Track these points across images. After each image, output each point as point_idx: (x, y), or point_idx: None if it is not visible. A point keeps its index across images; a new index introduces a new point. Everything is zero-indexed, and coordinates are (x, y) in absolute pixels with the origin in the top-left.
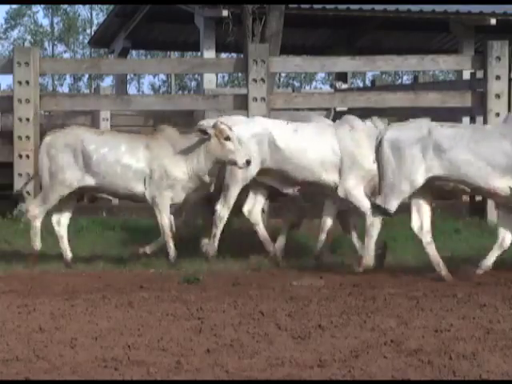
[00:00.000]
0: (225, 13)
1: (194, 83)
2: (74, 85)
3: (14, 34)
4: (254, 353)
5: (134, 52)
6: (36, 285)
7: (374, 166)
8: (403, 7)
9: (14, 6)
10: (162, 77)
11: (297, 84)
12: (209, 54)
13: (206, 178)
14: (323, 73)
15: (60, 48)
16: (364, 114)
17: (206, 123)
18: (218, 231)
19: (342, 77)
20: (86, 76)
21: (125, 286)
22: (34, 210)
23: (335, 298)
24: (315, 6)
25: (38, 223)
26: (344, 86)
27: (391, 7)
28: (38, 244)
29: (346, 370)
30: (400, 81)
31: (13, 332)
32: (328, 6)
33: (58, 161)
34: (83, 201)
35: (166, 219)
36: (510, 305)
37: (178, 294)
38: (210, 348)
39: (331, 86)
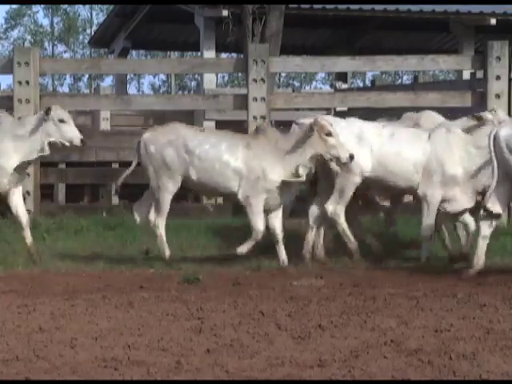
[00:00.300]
0: (225, 13)
1: (194, 83)
2: (74, 85)
3: (14, 34)
4: (254, 353)
5: (134, 52)
6: (36, 285)
7: (458, 171)
8: (403, 7)
9: (14, 6)
10: (162, 77)
11: (297, 84)
12: (209, 54)
13: (303, 177)
14: (323, 73)
15: (60, 48)
16: (364, 113)
17: (307, 121)
18: (345, 229)
19: (342, 77)
20: (86, 76)
21: (125, 286)
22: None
23: (335, 298)
24: (315, 6)
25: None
26: (344, 86)
27: (391, 7)
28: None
29: (346, 369)
30: (400, 81)
31: (13, 332)
32: (328, 6)
33: (161, 157)
34: (83, 201)
35: (259, 221)
36: (510, 305)
37: (177, 294)
38: (210, 348)
39: (331, 86)
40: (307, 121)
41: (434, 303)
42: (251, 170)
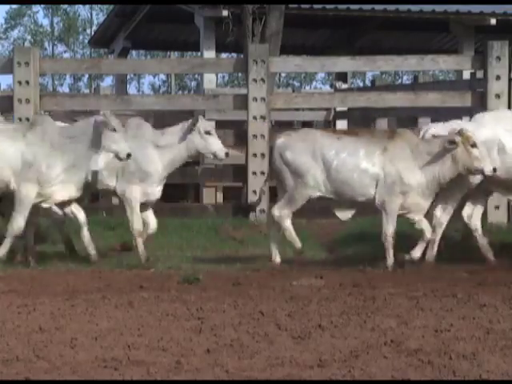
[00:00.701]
0: (225, 13)
1: (194, 83)
2: (74, 85)
3: (14, 34)
4: (254, 353)
5: (134, 52)
6: (36, 285)
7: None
8: (403, 7)
9: (14, 6)
10: (162, 77)
11: (297, 84)
12: (209, 54)
13: (443, 186)
14: (323, 73)
15: (60, 48)
16: (365, 113)
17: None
18: (437, 237)
19: (342, 77)
20: (86, 76)
21: (125, 286)
22: (280, 212)
23: (335, 298)
24: (315, 6)
25: (287, 223)
26: (344, 86)
27: (391, 7)
28: (298, 242)
29: (346, 369)
30: (400, 81)
31: (13, 332)
32: (328, 6)
33: (295, 164)
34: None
35: (391, 226)
36: (510, 305)
37: (178, 294)
38: (210, 348)
39: (331, 86)
40: (433, 129)
41: (434, 303)
42: (387, 174)
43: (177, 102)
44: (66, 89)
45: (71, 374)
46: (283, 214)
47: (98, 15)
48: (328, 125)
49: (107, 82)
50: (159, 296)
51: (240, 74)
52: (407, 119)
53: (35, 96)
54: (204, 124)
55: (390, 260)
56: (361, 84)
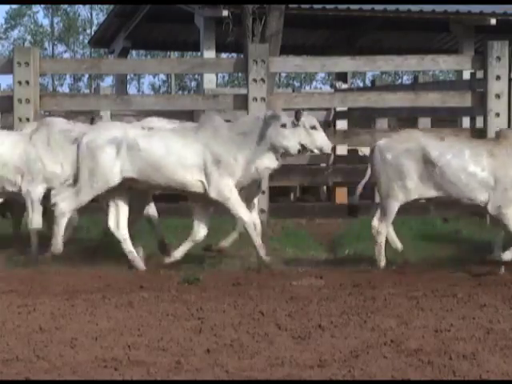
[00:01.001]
0: (225, 13)
1: (194, 83)
2: (74, 85)
3: (14, 34)
4: (254, 353)
5: (134, 52)
6: (36, 285)
7: None
8: (403, 7)
9: (14, 6)
10: (162, 77)
11: (297, 84)
12: (209, 54)
13: None
14: (323, 73)
15: (60, 48)
16: (365, 113)
17: None
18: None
19: (342, 77)
20: (86, 76)
21: (125, 286)
22: (378, 225)
23: (335, 298)
24: (315, 6)
25: (383, 238)
26: (344, 86)
27: (391, 7)
28: (398, 243)
29: (346, 369)
30: (400, 81)
31: (13, 332)
32: (328, 6)
33: (396, 166)
34: None
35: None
36: (510, 305)
37: (177, 294)
38: (210, 348)
39: (331, 86)
40: None
41: (434, 303)
42: (498, 180)
43: (177, 102)
44: (66, 89)
45: (71, 374)
46: (381, 227)
47: (98, 15)
48: (328, 125)
49: (107, 82)
50: (159, 296)
51: (240, 74)
52: (407, 119)
53: (35, 96)
54: (308, 119)
55: None
56: (361, 84)
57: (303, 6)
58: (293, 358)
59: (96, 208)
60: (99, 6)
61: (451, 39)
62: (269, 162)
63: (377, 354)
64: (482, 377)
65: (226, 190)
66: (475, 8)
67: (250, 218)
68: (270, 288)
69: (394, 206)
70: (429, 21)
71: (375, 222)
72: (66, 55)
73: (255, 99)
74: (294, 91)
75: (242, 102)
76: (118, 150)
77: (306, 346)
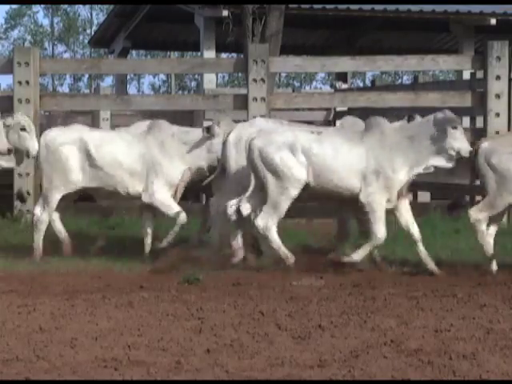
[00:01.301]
0: (225, 13)
1: (194, 83)
2: (74, 85)
3: (14, 33)
4: (254, 353)
5: (134, 52)
6: (36, 285)
7: None
8: (403, 7)
9: (14, 6)
10: (162, 77)
11: (297, 84)
12: (209, 54)
13: None
14: (323, 73)
15: (60, 48)
16: (365, 113)
17: None
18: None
19: (342, 77)
20: (86, 76)
21: (125, 286)
22: (477, 215)
23: (335, 298)
24: (315, 6)
25: (483, 227)
26: (344, 86)
27: (391, 7)
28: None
29: (346, 369)
30: (400, 81)
31: (13, 332)
32: (328, 6)
33: (503, 170)
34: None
35: None
36: (510, 305)
37: (177, 294)
38: (210, 348)
39: (331, 86)
40: None
41: (434, 303)
42: None
43: (177, 102)
44: (66, 89)
45: (71, 374)
46: (481, 216)
47: (98, 15)
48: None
49: (107, 82)
50: (159, 296)
51: (240, 74)
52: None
53: (35, 96)
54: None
55: None
56: (361, 84)
57: (303, 6)
58: (293, 358)
59: (96, 208)
60: (99, 6)
61: (451, 39)
62: (447, 162)
63: (377, 353)
64: (481, 377)
65: (377, 200)
66: (475, 8)
67: (384, 235)
68: (270, 288)
69: (499, 209)
70: (429, 21)
71: (472, 212)
72: (66, 55)
73: (255, 99)
74: (294, 91)
75: (242, 102)
76: (293, 154)
77: (305, 346)
